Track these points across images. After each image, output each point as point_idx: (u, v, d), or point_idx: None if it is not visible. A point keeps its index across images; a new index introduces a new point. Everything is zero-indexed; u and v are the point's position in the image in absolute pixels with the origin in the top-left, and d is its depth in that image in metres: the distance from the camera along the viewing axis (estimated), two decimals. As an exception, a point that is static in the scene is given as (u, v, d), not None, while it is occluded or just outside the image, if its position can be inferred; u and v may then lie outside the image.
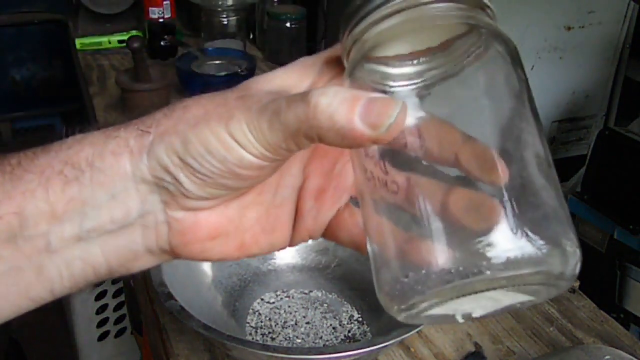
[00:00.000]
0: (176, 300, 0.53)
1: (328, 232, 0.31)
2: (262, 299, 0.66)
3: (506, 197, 0.22)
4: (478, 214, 0.23)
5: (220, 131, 0.25)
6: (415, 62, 0.25)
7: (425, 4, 0.24)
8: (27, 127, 2.12)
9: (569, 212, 0.24)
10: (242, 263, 0.67)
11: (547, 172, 0.24)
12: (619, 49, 0.94)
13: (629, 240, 0.73)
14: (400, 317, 0.24)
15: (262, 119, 0.24)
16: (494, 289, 0.23)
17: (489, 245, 0.22)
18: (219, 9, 1.22)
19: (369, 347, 0.51)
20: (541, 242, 0.22)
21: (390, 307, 0.25)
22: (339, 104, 0.23)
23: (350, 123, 0.23)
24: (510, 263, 0.22)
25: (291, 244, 0.31)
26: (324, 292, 0.68)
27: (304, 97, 0.24)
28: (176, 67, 1.09)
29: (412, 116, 0.24)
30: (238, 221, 0.28)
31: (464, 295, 0.23)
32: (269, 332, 0.62)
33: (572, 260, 0.23)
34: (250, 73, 1.06)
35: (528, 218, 0.22)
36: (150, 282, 0.56)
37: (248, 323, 0.63)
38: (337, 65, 0.28)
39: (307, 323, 0.64)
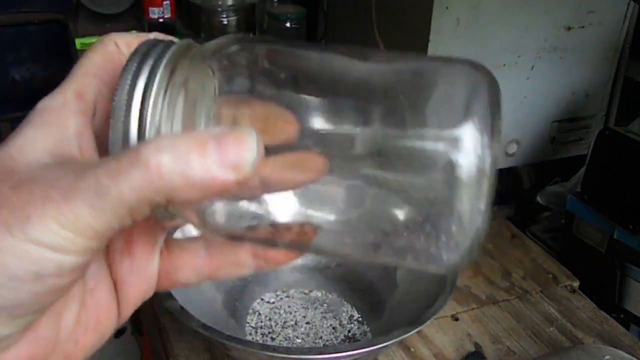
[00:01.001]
0: (176, 300, 0.53)
1: (166, 281, 0.26)
2: (262, 299, 0.66)
3: None
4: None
5: (15, 244, 0.19)
6: None
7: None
8: (27, 127, 2.11)
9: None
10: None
11: None
12: (619, 49, 0.94)
13: (629, 240, 0.73)
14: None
15: (76, 205, 0.19)
16: None
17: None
18: (219, 9, 1.22)
19: (369, 347, 0.51)
20: None
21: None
22: (186, 156, 0.19)
23: (209, 173, 0.19)
24: None
25: (122, 320, 0.25)
26: (324, 292, 0.68)
27: (133, 161, 0.19)
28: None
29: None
30: (55, 338, 0.22)
31: None
32: (269, 332, 0.62)
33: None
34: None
35: None
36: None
37: (248, 323, 0.63)
38: (93, 93, 0.23)
39: (307, 323, 0.64)
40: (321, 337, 0.62)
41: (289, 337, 0.62)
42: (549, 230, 0.93)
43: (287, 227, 0.24)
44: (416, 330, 0.52)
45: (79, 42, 1.33)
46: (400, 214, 0.22)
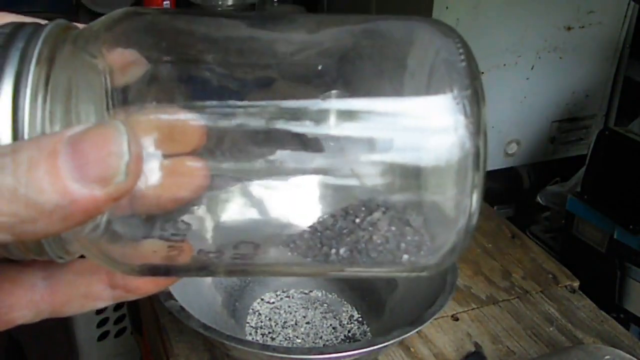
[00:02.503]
0: (176, 300, 0.53)
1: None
2: (262, 299, 0.66)
3: None
4: None
5: None
6: None
7: None
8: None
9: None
10: (242, 263, 0.67)
11: None
12: (619, 49, 0.94)
13: (629, 240, 0.73)
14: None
15: None
16: None
17: None
18: (219, 9, 1.22)
19: (369, 347, 0.51)
20: None
21: None
22: (31, 175, 0.14)
23: (67, 195, 0.14)
24: None
25: None
26: (324, 292, 0.68)
27: None
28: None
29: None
30: None
31: None
32: (269, 332, 0.62)
33: None
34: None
35: None
36: (150, 282, 0.56)
37: (248, 323, 0.63)
38: None
39: (307, 323, 0.64)
40: (321, 337, 0.62)
41: (289, 337, 0.62)
42: (549, 230, 0.93)
43: (222, 247, 0.19)
44: (416, 330, 0.52)
45: (79, 42, 1.33)
46: (363, 212, 0.17)
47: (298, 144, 0.17)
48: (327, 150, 0.17)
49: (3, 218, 0.14)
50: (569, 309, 0.69)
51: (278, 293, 0.67)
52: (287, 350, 0.53)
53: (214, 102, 0.17)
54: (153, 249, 0.18)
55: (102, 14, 0.19)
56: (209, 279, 0.64)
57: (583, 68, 0.93)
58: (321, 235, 0.18)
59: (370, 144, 0.17)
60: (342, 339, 0.62)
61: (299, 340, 0.62)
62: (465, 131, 0.16)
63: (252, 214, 0.18)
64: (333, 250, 0.18)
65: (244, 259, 0.18)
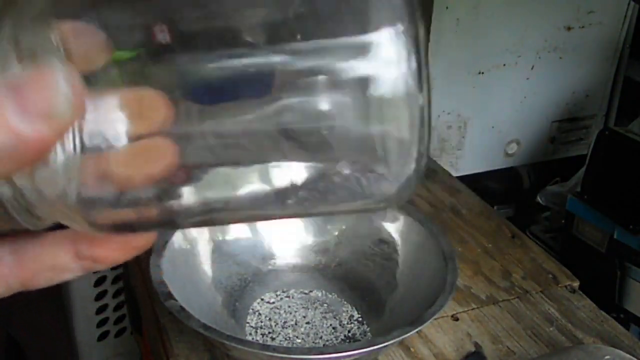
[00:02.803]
0: (176, 300, 0.53)
1: None
2: (262, 299, 0.66)
3: None
4: None
5: None
6: None
7: None
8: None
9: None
10: (242, 263, 0.67)
11: None
12: (619, 49, 0.94)
13: (629, 240, 0.73)
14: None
15: None
16: None
17: None
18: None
19: (369, 347, 0.51)
20: None
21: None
22: None
23: (13, 134, 0.15)
24: None
25: None
26: (324, 292, 0.68)
27: None
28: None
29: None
30: None
31: None
32: (269, 332, 0.62)
33: None
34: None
35: None
36: (150, 282, 0.56)
37: (248, 323, 0.63)
38: None
39: (307, 323, 0.64)
40: (321, 337, 0.62)
41: (289, 337, 0.62)
42: (549, 230, 0.93)
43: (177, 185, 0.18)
44: (416, 330, 0.52)
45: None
46: (313, 149, 0.18)
47: (254, 87, 0.17)
48: (280, 93, 0.17)
49: None
50: (569, 309, 0.69)
51: (278, 293, 0.67)
52: (287, 350, 0.53)
53: (177, 69, 0.17)
54: (123, 215, 0.19)
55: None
56: (208, 280, 0.64)
57: (583, 68, 0.93)
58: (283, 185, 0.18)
59: (318, 82, 0.17)
60: (342, 339, 0.62)
61: (299, 340, 0.62)
62: (405, 55, 0.16)
63: (222, 181, 0.19)
64: (294, 194, 0.18)
65: (211, 211, 0.19)
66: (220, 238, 0.66)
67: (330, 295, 0.67)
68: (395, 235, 0.67)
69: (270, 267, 0.69)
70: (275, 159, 0.18)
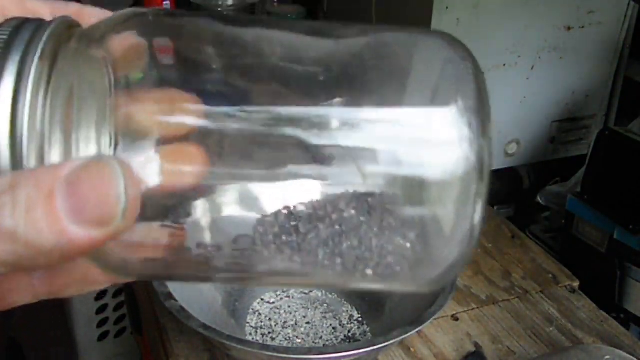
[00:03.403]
0: (176, 300, 0.53)
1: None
2: (262, 299, 0.66)
3: None
4: None
5: None
6: None
7: None
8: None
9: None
10: (242, 263, 0.67)
11: None
12: (619, 49, 0.94)
13: (629, 240, 0.73)
14: None
15: None
16: None
17: None
18: (219, 9, 1.22)
19: (369, 347, 0.51)
20: None
21: None
22: (29, 217, 0.14)
23: (64, 236, 0.15)
24: None
25: None
26: (324, 292, 0.68)
27: None
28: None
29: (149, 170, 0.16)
30: None
31: None
32: (269, 332, 0.62)
33: None
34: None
35: None
36: (150, 282, 0.56)
37: (248, 323, 0.63)
38: None
39: (307, 323, 0.64)
40: (321, 337, 0.62)
41: (289, 337, 0.62)
42: (549, 230, 0.93)
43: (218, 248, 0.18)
44: (416, 330, 0.52)
45: (79, 42, 1.33)
46: (361, 224, 0.17)
47: (300, 150, 0.17)
48: (327, 157, 0.17)
49: (3, 255, 0.14)
50: (569, 309, 0.69)
51: (278, 293, 0.67)
52: (287, 350, 0.53)
53: (217, 104, 0.17)
54: (153, 236, 0.18)
55: (101, 15, 0.19)
56: (209, 279, 0.64)
57: (583, 68, 0.93)
58: (317, 243, 0.17)
59: (371, 154, 0.17)
60: (342, 339, 0.62)
61: (299, 340, 0.62)
62: (469, 144, 0.16)
63: (252, 209, 0.18)
64: (333, 260, 0.17)
65: (242, 258, 0.18)
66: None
67: (330, 295, 0.67)
68: (395, 235, 0.67)
69: (270, 267, 0.69)
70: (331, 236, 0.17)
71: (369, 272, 0.17)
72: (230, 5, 1.22)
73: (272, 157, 0.17)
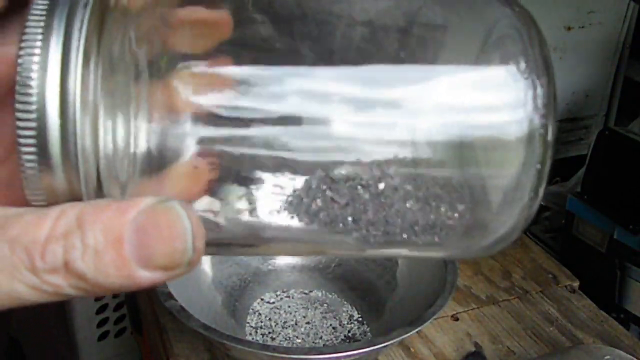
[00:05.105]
0: (176, 300, 0.53)
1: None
2: (262, 299, 0.66)
3: None
4: None
5: None
6: None
7: None
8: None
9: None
10: (242, 263, 0.67)
11: None
12: (619, 49, 0.94)
13: (629, 240, 0.73)
14: None
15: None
16: None
17: None
18: None
19: (369, 347, 0.51)
20: None
21: None
22: (99, 260, 0.15)
23: (131, 280, 0.15)
24: None
25: None
26: (324, 292, 0.68)
27: (34, 261, 0.15)
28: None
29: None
30: None
31: None
32: (269, 332, 0.62)
33: None
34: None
35: None
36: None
37: (248, 323, 0.63)
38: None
39: (307, 323, 0.64)
40: (321, 337, 0.62)
41: (289, 337, 0.62)
42: (549, 230, 0.93)
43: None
44: (416, 330, 0.52)
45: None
46: (418, 186, 0.16)
47: (355, 105, 0.16)
48: (380, 114, 0.16)
49: (72, 291, 0.15)
50: (569, 309, 0.69)
51: (278, 293, 0.67)
52: (287, 350, 0.53)
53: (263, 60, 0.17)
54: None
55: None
56: (208, 279, 0.64)
57: (583, 68, 0.93)
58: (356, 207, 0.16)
59: (431, 113, 0.16)
60: (342, 339, 0.62)
61: (299, 340, 0.62)
62: (533, 107, 0.15)
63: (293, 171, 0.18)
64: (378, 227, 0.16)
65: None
66: (220, 238, 0.66)
67: (330, 295, 0.67)
68: (395, 235, 0.67)
69: (270, 267, 0.69)
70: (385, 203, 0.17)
71: (427, 238, 0.17)
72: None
73: (330, 124, 0.16)
